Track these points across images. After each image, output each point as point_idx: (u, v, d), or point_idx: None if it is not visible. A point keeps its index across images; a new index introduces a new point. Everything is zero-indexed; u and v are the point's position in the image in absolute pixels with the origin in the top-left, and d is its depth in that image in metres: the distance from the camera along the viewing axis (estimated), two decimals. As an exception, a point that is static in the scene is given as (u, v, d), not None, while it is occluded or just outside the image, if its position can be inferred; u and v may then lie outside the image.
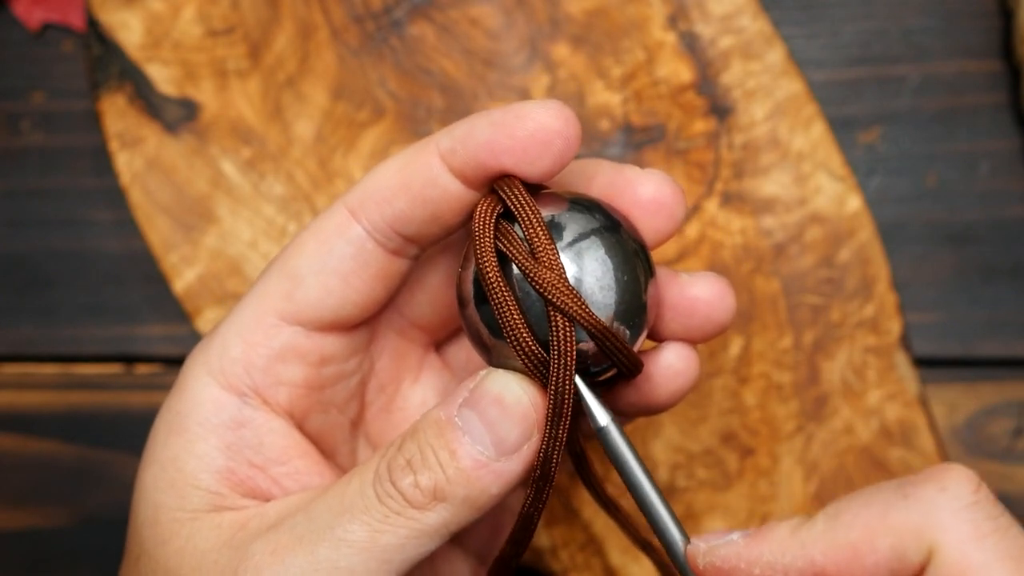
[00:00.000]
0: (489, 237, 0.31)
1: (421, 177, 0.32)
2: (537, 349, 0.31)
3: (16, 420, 0.50)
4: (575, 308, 0.30)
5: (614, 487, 0.38)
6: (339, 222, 0.33)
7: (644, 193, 0.32)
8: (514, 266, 0.31)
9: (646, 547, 0.37)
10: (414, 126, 0.48)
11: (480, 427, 0.31)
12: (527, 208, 0.31)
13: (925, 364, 0.48)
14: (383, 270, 0.34)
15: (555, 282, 0.30)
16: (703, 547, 0.30)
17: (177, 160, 0.48)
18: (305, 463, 0.34)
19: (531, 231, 0.31)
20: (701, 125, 0.47)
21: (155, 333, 0.49)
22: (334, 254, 0.33)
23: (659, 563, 0.37)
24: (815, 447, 0.47)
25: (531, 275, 0.30)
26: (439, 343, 0.38)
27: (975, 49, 0.48)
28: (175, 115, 0.48)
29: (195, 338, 0.48)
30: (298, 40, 0.48)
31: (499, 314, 0.31)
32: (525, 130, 0.31)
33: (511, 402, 0.31)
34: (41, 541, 0.49)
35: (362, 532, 0.31)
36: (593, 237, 0.31)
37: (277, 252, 0.35)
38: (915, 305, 0.48)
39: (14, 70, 0.50)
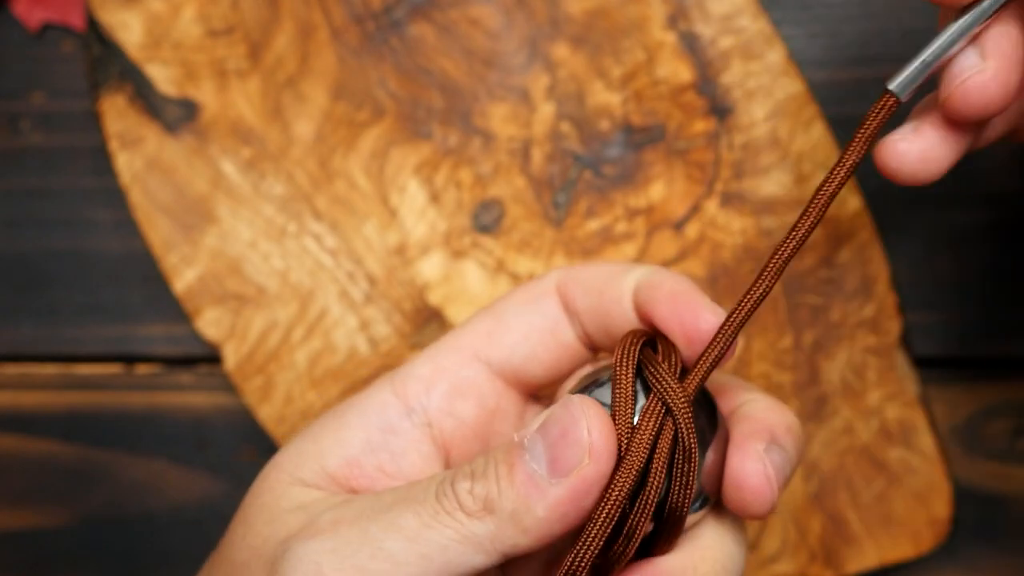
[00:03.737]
0: (638, 343, 0.33)
1: (611, 291, 0.35)
2: (631, 407, 0.31)
3: (16, 420, 0.50)
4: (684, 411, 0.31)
5: None
6: (546, 288, 0.36)
7: (745, 478, 0.32)
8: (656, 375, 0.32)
9: None
10: (414, 126, 0.48)
11: (541, 447, 0.31)
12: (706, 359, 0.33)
13: (925, 364, 0.48)
14: (569, 348, 0.36)
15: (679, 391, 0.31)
16: None
17: (177, 160, 0.48)
18: None
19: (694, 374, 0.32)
20: (701, 125, 0.47)
21: (155, 333, 0.49)
22: (538, 310, 0.36)
23: None
24: (815, 447, 0.47)
25: (661, 375, 0.32)
26: None
27: (975, 49, 0.48)
28: (175, 115, 0.48)
29: (195, 338, 0.48)
30: (298, 40, 0.48)
31: (616, 374, 0.32)
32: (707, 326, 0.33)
33: (571, 421, 0.31)
34: (41, 541, 0.49)
35: (413, 521, 0.31)
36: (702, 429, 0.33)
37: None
38: (915, 305, 0.48)
39: (14, 70, 0.50)
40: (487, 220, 0.48)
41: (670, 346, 0.33)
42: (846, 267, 0.47)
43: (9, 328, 0.50)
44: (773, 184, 0.47)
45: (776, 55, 0.47)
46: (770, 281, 0.32)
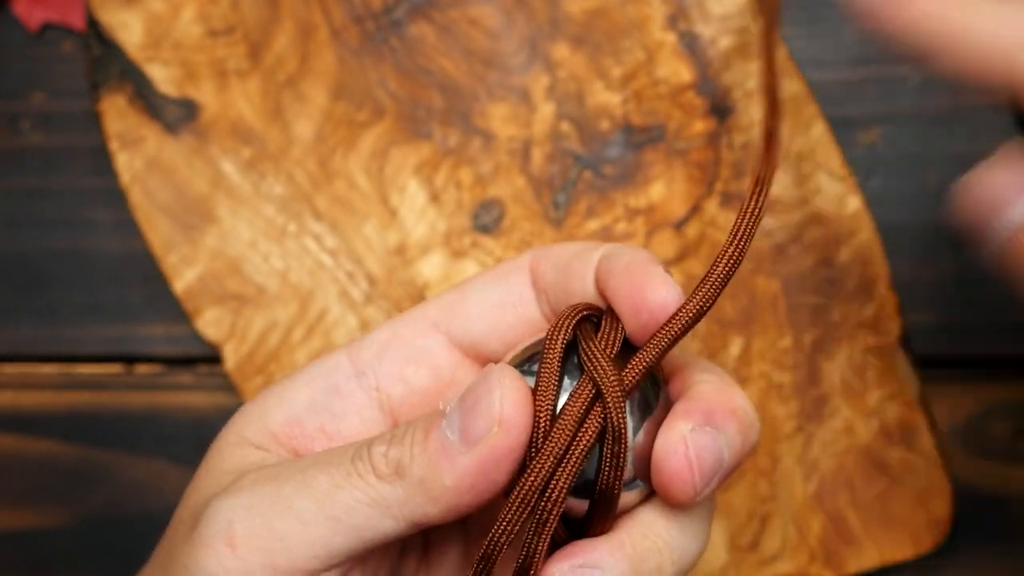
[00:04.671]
0: (575, 317, 0.32)
1: (576, 266, 0.34)
2: (557, 383, 0.31)
3: (16, 420, 0.50)
4: (611, 384, 0.30)
5: None
6: (518, 266, 0.35)
7: (665, 459, 0.31)
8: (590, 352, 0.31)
9: None
10: (414, 126, 0.48)
11: (457, 412, 0.31)
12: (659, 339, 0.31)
13: (925, 364, 0.48)
14: (534, 325, 0.35)
15: (609, 368, 0.30)
16: None
17: (177, 160, 0.48)
18: None
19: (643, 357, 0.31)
20: (701, 125, 0.47)
21: (155, 333, 0.49)
22: (503, 286, 0.35)
23: None
24: (815, 447, 0.47)
25: (593, 348, 0.31)
26: None
27: (975, 49, 0.48)
28: (175, 115, 0.48)
29: (195, 338, 0.48)
30: (298, 40, 0.48)
31: (545, 351, 0.31)
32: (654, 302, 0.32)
33: (486, 391, 0.30)
34: (41, 541, 0.49)
35: (325, 482, 0.31)
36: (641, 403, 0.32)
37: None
38: (915, 305, 0.48)
39: (14, 70, 0.50)
40: (487, 220, 0.48)
41: (614, 322, 0.32)
42: (846, 267, 0.47)
43: (9, 328, 0.50)
44: (773, 184, 0.47)
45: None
46: (732, 263, 0.31)
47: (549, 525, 0.30)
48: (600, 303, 0.33)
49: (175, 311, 0.49)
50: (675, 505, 0.32)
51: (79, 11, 0.49)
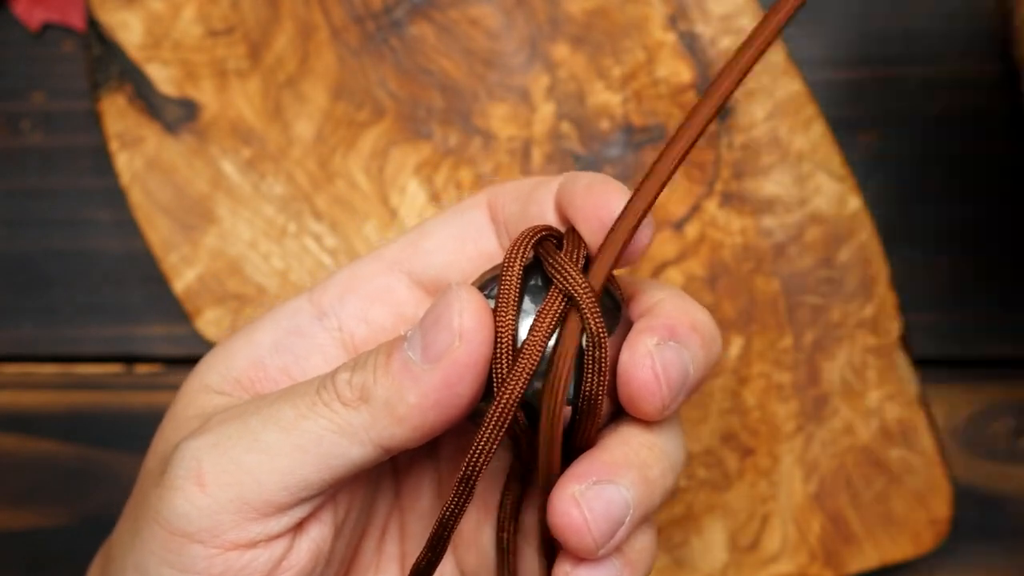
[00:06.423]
0: (535, 236, 0.31)
1: (536, 196, 0.34)
2: (516, 304, 0.30)
3: (16, 420, 0.50)
4: (588, 301, 0.30)
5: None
6: (476, 202, 0.35)
7: (633, 374, 0.31)
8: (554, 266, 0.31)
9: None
10: (414, 126, 0.48)
11: (418, 333, 0.31)
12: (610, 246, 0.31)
13: (925, 364, 0.48)
14: (494, 259, 0.35)
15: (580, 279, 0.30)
16: None
17: (177, 160, 0.48)
18: None
19: (602, 258, 0.31)
20: (701, 125, 0.47)
21: (155, 333, 0.49)
22: (461, 220, 0.35)
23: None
24: (815, 447, 0.47)
25: (562, 263, 0.30)
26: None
27: (975, 49, 0.48)
28: (175, 115, 0.48)
29: (195, 338, 0.48)
30: (298, 40, 0.48)
31: (503, 275, 0.30)
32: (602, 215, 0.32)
33: (445, 307, 0.30)
34: (41, 541, 0.49)
35: (290, 413, 0.31)
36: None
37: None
38: (915, 305, 0.48)
39: (14, 70, 0.50)
40: (487, 220, 0.48)
41: (577, 240, 0.32)
42: (846, 267, 0.47)
43: (9, 328, 0.50)
44: (773, 184, 0.47)
45: (776, 55, 0.47)
46: (681, 152, 0.31)
47: (557, 431, 0.30)
48: (560, 228, 0.33)
49: (175, 311, 0.49)
50: (643, 418, 0.31)
51: (79, 11, 0.49)
